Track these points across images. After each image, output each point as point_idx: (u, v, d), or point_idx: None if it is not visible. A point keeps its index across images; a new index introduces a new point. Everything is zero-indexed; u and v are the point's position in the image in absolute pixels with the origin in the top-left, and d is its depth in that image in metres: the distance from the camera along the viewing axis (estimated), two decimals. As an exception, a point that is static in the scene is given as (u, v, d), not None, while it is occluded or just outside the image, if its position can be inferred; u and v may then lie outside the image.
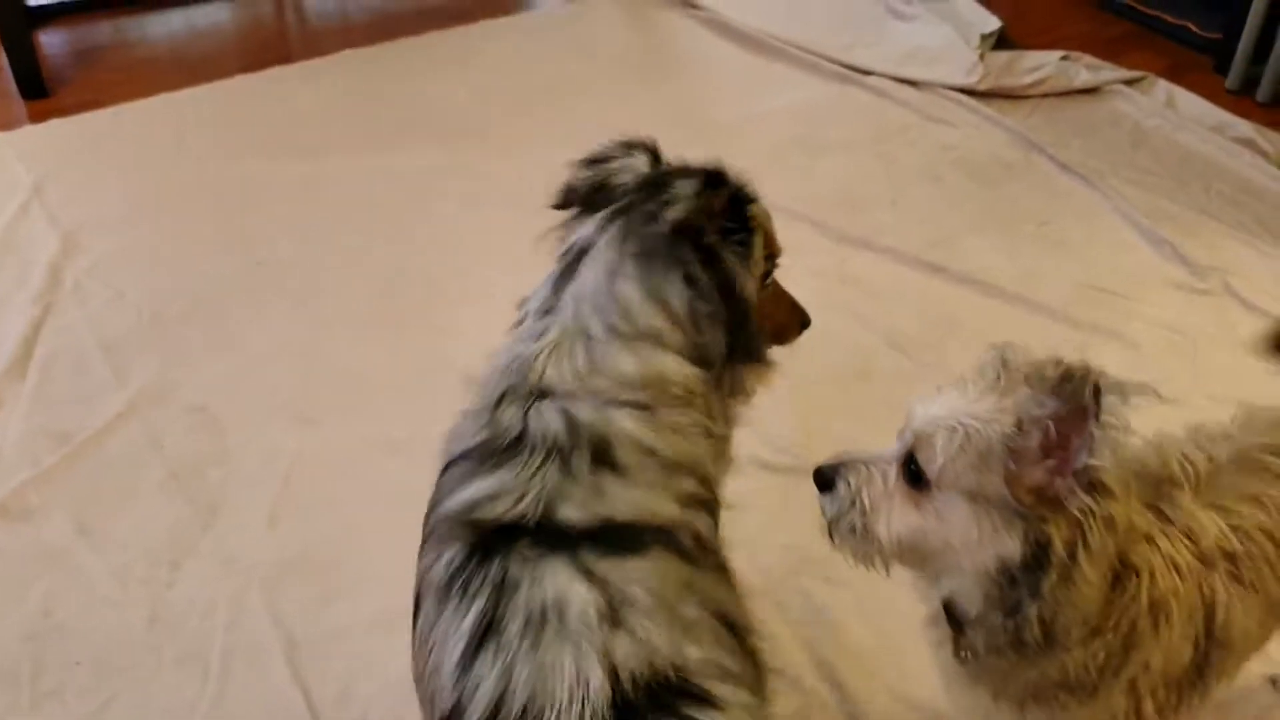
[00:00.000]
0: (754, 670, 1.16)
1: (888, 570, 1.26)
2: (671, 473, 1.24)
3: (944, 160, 3.34)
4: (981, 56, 3.81)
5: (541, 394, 1.25)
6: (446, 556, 1.16)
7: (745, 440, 1.54)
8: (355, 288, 2.85)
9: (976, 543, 1.13)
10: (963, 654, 1.25)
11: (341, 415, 2.44)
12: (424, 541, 1.25)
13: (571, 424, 1.22)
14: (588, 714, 1.00)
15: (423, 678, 1.17)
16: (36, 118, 3.85)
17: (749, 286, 1.40)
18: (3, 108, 3.94)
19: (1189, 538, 1.24)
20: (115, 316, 2.73)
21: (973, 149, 3.38)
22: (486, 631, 1.07)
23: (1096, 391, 1.03)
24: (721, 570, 1.27)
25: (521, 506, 1.15)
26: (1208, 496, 1.29)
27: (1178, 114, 3.62)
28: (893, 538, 1.19)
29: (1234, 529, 1.26)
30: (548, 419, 1.23)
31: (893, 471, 1.19)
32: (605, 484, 1.19)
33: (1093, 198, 3.19)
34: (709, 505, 1.30)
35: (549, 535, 1.13)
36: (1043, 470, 1.08)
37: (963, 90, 3.70)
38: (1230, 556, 1.25)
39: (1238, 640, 1.27)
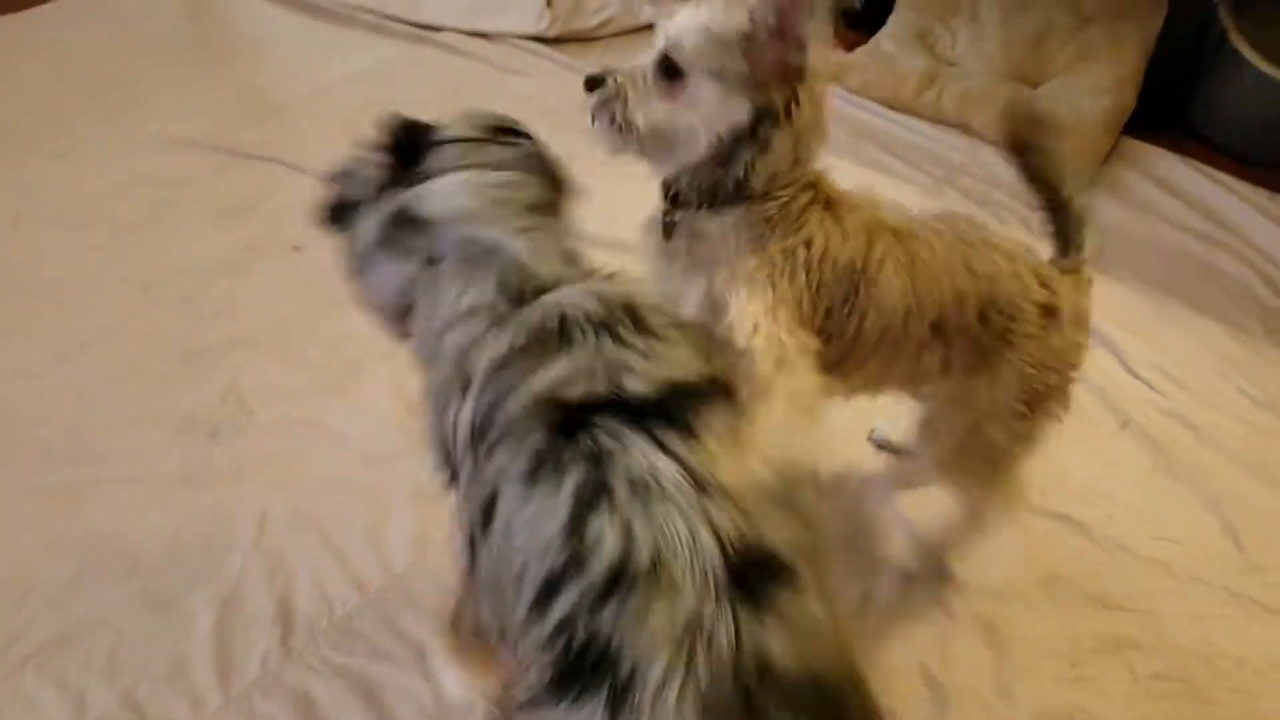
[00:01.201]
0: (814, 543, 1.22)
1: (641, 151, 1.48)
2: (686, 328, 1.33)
3: (526, 112, 3.29)
4: (549, 3, 3.80)
5: (551, 287, 1.28)
6: (529, 443, 1.17)
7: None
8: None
9: (717, 114, 1.41)
10: (669, 219, 1.53)
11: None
12: (492, 446, 1.23)
13: (603, 298, 1.26)
14: (708, 569, 1.04)
15: (497, 577, 1.19)
16: None
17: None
18: None
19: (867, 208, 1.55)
20: None
21: (551, 98, 3.37)
22: (594, 496, 1.10)
23: None
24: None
25: (593, 384, 1.19)
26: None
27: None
28: (649, 123, 1.44)
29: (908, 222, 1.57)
30: (580, 300, 1.25)
31: (650, 72, 1.44)
32: (654, 348, 1.24)
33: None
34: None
35: (623, 408, 1.17)
36: (776, 47, 1.37)
37: (534, 38, 3.69)
38: (895, 232, 1.53)
39: (883, 289, 1.51)
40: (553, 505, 1.12)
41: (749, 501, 1.13)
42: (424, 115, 1.44)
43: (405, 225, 1.34)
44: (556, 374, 1.20)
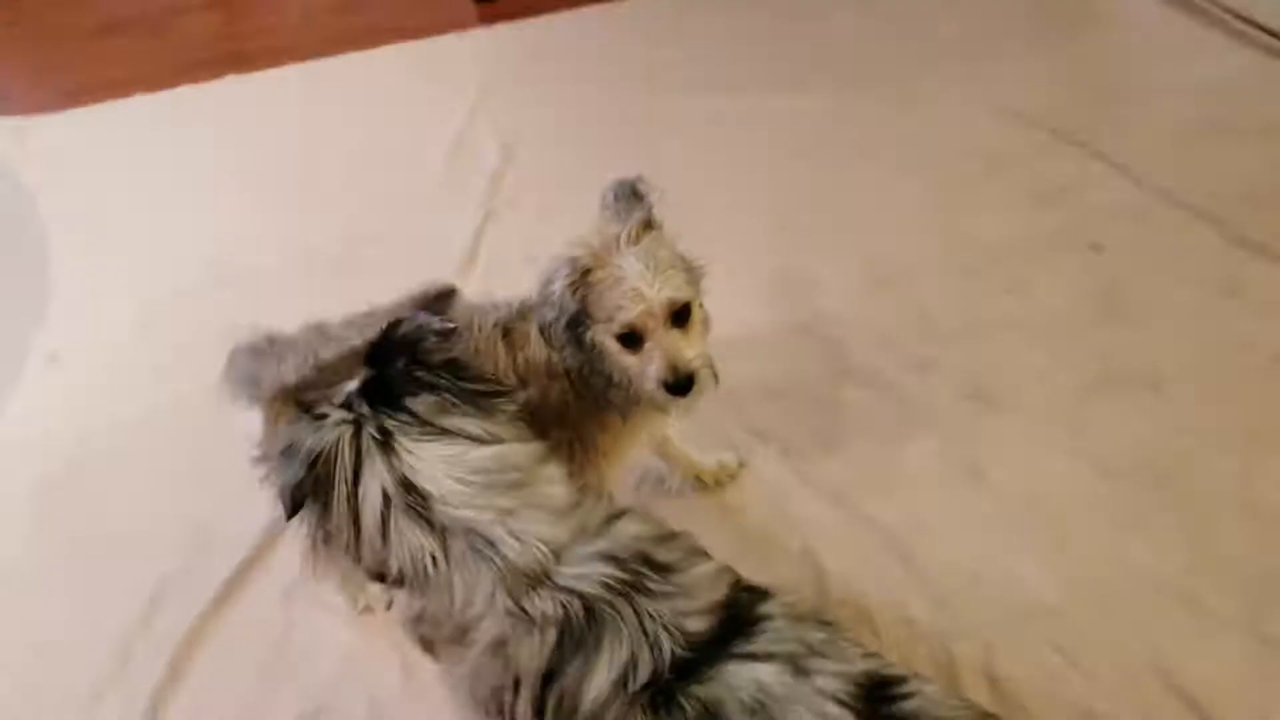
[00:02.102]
0: None
1: None
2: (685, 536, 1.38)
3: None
4: None
5: (554, 568, 1.28)
6: None
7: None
8: (735, 239, 3.02)
9: None
10: None
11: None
12: None
13: (616, 558, 1.28)
14: None
15: None
16: (485, 20, 4.29)
17: None
18: (457, 7, 4.42)
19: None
20: (538, 233, 3.10)
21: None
22: None
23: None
24: None
25: (653, 661, 1.21)
26: None
27: None
28: None
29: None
30: (592, 572, 1.27)
31: None
32: (684, 582, 1.28)
33: None
34: None
35: (692, 661, 1.21)
36: None
37: None
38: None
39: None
40: None
41: None
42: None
43: (413, 492, 1.32)
44: (610, 673, 1.21)
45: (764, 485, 2.29)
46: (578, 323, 1.74)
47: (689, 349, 1.71)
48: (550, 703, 1.26)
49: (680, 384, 1.70)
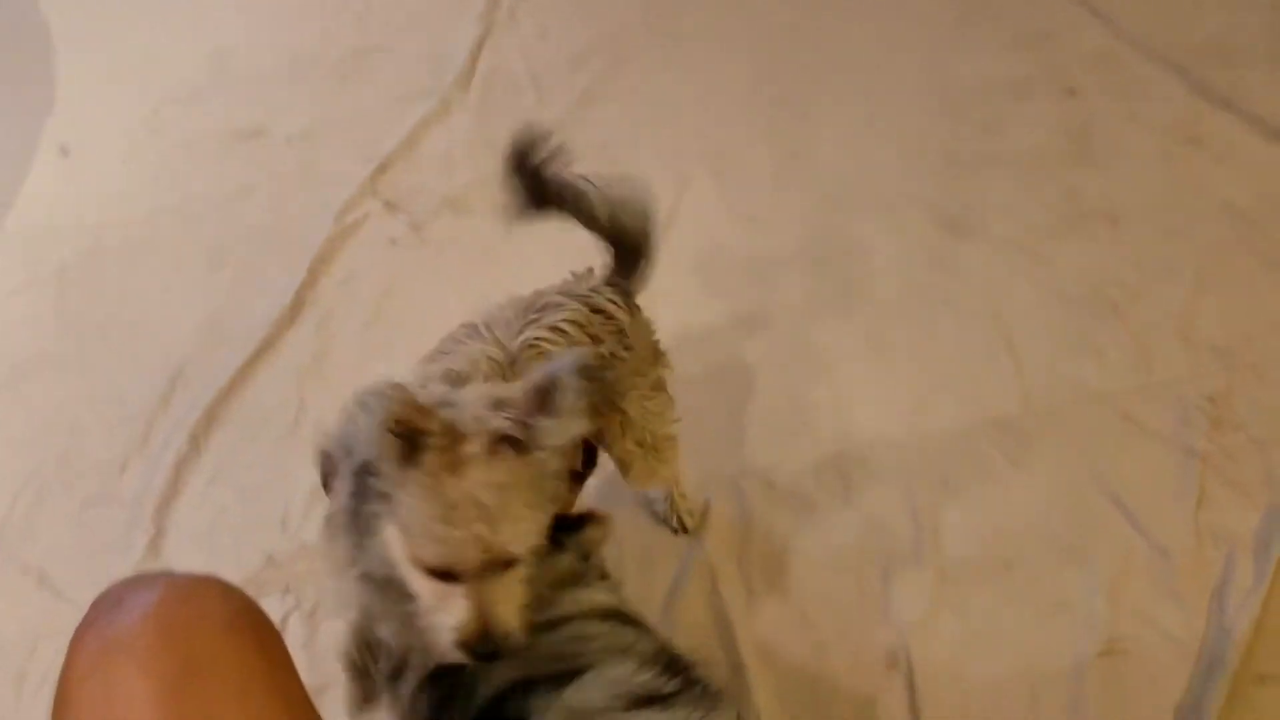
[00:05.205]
0: None
1: None
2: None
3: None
4: None
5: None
6: None
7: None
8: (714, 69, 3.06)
9: None
10: None
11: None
12: None
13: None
14: None
15: None
16: None
17: None
18: None
19: None
20: (540, 50, 3.09)
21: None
22: None
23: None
24: None
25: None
26: None
27: None
28: None
29: None
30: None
31: None
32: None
33: None
34: None
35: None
36: None
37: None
38: None
39: None
40: None
41: None
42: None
43: None
44: None
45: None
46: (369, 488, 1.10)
47: (506, 603, 1.13)
48: None
49: (484, 649, 1.13)
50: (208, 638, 0.90)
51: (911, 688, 1.73)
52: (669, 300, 1.76)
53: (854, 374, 2.20)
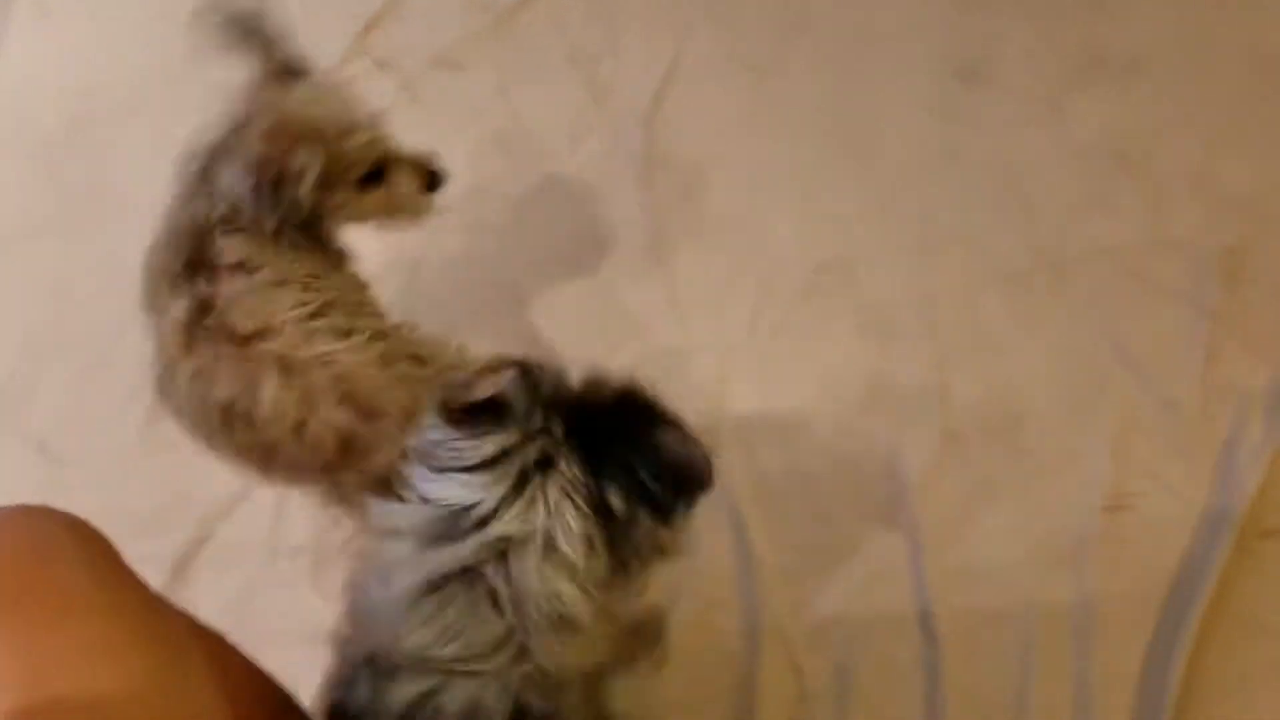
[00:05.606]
0: None
1: None
2: None
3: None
4: None
5: None
6: None
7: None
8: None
9: None
10: None
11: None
12: None
13: None
14: None
15: None
16: None
17: None
18: None
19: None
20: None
21: None
22: None
23: None
24: None
25: None
26: None
27: None
28: None
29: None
30: None
31: None
32: None
33: None
34: None
35: None
36: None
37: None
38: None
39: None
40: None
41: None
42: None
43: None
44: None
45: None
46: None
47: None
48: None
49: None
50: (18, 568, 0.88)
51: (915, 541, 1.73)
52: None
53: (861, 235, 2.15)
